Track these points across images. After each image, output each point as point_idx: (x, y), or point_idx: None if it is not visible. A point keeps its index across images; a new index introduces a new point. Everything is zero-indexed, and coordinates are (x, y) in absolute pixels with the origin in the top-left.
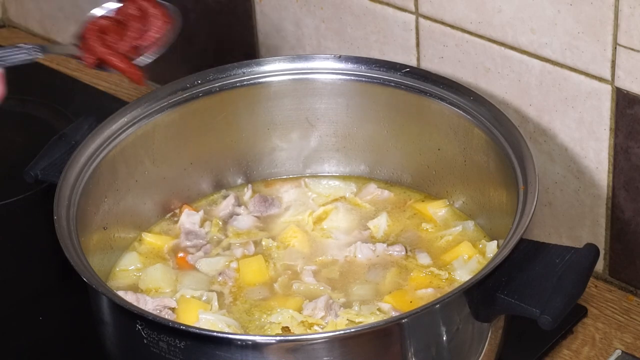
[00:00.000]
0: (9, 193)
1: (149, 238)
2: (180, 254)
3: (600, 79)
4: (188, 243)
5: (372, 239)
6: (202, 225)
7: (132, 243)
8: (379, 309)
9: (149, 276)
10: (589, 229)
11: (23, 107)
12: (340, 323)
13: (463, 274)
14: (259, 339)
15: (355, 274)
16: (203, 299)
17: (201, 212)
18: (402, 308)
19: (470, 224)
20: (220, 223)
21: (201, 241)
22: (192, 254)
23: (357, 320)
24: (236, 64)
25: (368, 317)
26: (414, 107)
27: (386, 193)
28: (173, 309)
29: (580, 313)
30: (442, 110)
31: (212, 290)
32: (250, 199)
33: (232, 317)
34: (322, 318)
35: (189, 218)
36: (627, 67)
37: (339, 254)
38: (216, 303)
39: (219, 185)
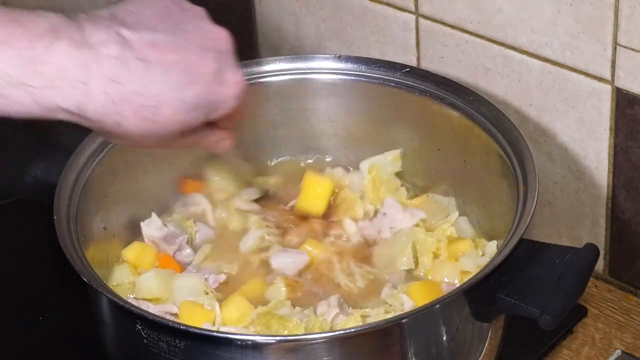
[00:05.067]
0: (9, 193)
1: (129, 257)
2: (161, 252)
3: (600, 79)
4: (173, 247)
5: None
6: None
7: (119, 257)
8: (393, 303)
9: (143, 286)
10: (589, 229)
11: None
12: (351, 320)
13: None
14: (259, 339)
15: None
16: (205, 305)
17: (153, 216)
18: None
19: (464, 220)
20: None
21: (181, 238)
22: (180, 252)
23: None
24: None
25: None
26: (414, 107)
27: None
28: (175, 315)
29: (580, 313)
30: (442, 110)
31: (209, 292)
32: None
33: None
34: (335, 316)
35: (150, 226)
36: (627, 67)
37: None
38: (218, 309)
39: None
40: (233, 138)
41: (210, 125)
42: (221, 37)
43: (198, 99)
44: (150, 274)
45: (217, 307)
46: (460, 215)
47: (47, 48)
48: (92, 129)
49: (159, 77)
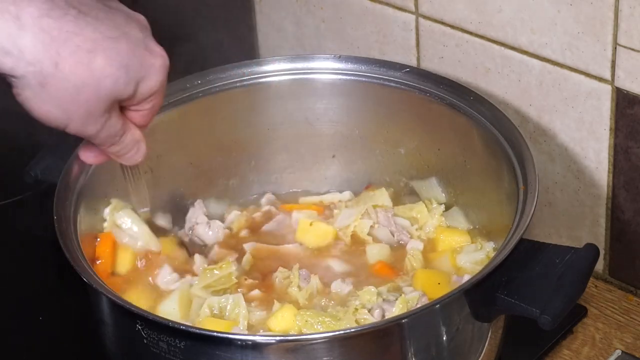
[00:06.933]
0: (9, 193)
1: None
2: None
3: (600, 79)
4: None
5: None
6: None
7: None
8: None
9: (164, 314)
10: (589, 229)
11: (23, 106)
12: (366, 294)
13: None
14: (259, 339)
15: None
16: (226, 315)
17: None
18: (430, 290)
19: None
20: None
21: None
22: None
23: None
24: (236, 64)
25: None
26: (414, 107)
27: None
28: None
29: (580, 313)
30: (442, 110)
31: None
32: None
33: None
34: (349, 293)
35: (164, 277)
36: (627, 67)
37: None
38: (245, 322)
39: (218, 186)
40: (145, 149)
41: (128, 119)
42: (141, 17)
43: (130, 58)
44: (174, 299)
45: (244, 322)
46: (458, 212)
47: None
48: (26, 86)
49: (92, 23)
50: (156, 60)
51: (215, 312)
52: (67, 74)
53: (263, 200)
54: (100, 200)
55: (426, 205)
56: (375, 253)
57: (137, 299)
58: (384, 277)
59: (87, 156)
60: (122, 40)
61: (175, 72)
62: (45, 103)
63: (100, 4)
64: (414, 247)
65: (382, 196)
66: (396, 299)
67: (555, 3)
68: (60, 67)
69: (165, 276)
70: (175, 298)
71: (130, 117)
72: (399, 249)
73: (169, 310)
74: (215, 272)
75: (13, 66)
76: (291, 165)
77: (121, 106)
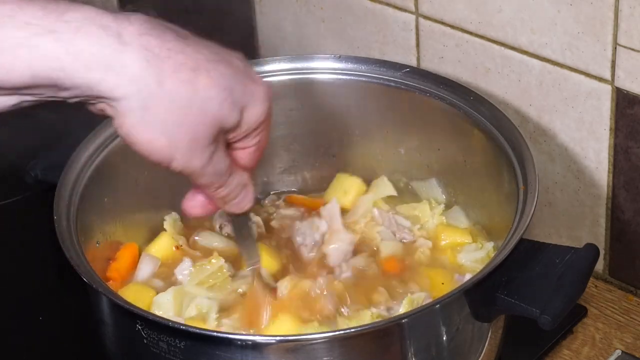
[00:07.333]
0: (9, 193)
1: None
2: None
3: (600, 79)
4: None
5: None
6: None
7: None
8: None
9: (160, 307)
10: (589, 229)
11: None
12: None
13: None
14: (259, 339)
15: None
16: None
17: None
18: (434, 290)
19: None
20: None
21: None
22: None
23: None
24: None
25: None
26: (414, 107)
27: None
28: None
29: (580, 313)
30: (442, 110)
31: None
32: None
33: None
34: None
35: (182, 270)
36: (627, 67)
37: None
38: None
39: None
40: (253, 196)
41: (234, 159)
42: (238, 53)
43: (233, 81)
44: (170, 293)
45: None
46: (459, 211)
47: (69, 5)
48: (127, 110)
49: (192, 45)
50: (259, 88)
51: (203, 311)
52: (171, 93)
53: (267, 201)
54: (100, 201)
55: (429, 204)
56: (389, 247)
57: (134, 297)
58: (391, 275)
59: (193, 206)
60: (223, 64)
61: None
62: (148, 128)
63: (196, 38)
64: (423, 245)
65: (385, 186)
66: (402, 299)
67: (555, 3)
68: (164, 86)
69: (184, 269)
70: (171, 291)
71: (236, 156)
72: (404, 247)
73: (163, 302)
74: (206, 267)
75: (115, 85)
76: (291, 165)
77: (227, 144)
